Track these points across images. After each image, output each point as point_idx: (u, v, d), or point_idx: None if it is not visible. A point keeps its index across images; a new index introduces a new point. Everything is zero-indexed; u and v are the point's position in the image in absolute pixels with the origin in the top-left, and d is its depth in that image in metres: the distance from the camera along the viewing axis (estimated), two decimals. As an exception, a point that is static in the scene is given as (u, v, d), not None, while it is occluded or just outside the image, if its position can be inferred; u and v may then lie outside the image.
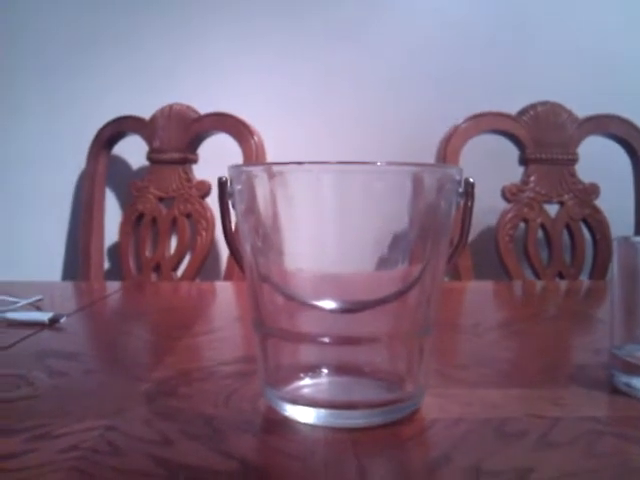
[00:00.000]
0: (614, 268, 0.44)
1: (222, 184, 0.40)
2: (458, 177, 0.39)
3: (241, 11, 1.43)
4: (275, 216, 0.38)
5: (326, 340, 0.37)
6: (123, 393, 0.44)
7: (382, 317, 0.38)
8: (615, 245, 0.44)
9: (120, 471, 0.32)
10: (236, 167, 0.39)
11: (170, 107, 1.34)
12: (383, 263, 0.38)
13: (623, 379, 0.43)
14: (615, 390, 0.44)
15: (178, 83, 1.43)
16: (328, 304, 0.37)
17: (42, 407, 0.41)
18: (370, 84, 1.44)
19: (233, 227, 0.42)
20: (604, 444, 0.35)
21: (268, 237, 0.39)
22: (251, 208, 0.38)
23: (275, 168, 0.37)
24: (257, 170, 0.39)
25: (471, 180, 0.39)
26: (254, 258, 0.39)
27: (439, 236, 0.39)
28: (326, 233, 0.38)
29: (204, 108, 1.34)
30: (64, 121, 1.46)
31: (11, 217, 1.48)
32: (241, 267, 0.41)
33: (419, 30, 1.44)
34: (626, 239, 0.44)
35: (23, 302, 0.73)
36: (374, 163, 0.35)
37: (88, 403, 0.42)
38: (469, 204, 0.40)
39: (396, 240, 0.38)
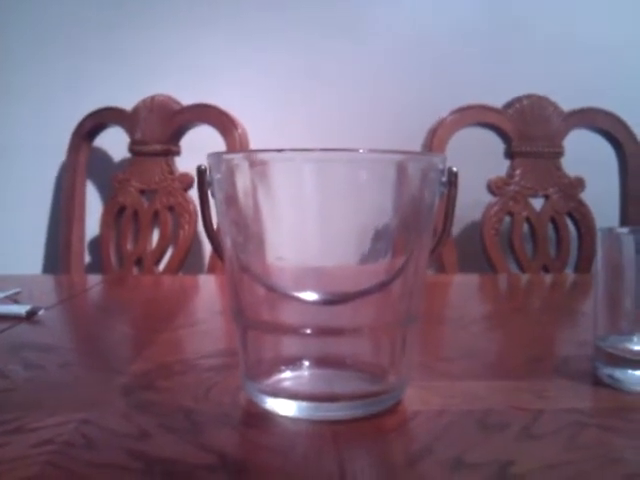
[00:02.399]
0: (598, 259, 0.44)
1: (201, 172, 0.39)
2: (441, 166, 0.38)
3: (226, 3, 1.42)
4: (255, 205, 0.37)
5: (307, 332, 0.37)
6: (100, 386, 0.43)
7: (364, 309, 0.38)
8: (599, 236, 0.44)
9: (95, 465, 0.31)
10: (215, 155, 0.38)
11: (152, 98, 1.33)
12: (365, 253, 0.38)
13: (606, 371, 0.43)
14: (598, 382, 0.43)
15: (161, 75, 1.42)
16: (309, 295, 0.37)
17: (17, 400, 0.40)
18: (356, 77, 1.44)
19: (213, 217, 0.41)
20: (586, 436, 0.35)
21: (248, 227, 0.38)
22: (231, 197, 0.38)
23: (255, 156, 0.37)
24: (237, 158, 0.38)
25: (454, 169, 0.39)
26: (234, 248, 0.38)
27: (422, 226, 0.38)
28: (308, 222, 0.37)
29: (188, 101, 1.32)
30: (45, 113, 1.43)
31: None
32: (221, 257, 0.40)
33: (405, 24, 1.44)
34: (610, 230, 0.44)
35: (0, 295, 0.72)
36: (357, 150, 0.35)
37: (64, 396, 0.41)
38: (452, 193, 0.40)
39: (379, 230, 0.37)
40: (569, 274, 1.29)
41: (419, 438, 0.35)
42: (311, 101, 1.43)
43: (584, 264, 1.30)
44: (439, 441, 0.34)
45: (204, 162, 0.40)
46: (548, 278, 1.11)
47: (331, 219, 0.37)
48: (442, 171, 0.39)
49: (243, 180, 0.37)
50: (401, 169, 0.37)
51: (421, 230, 0.38)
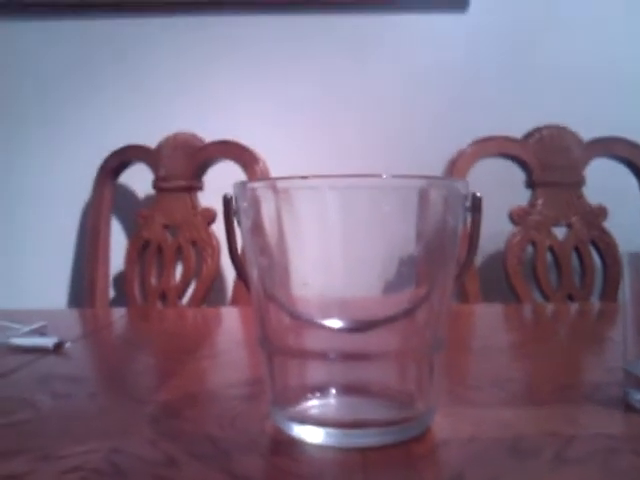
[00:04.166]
0: (625, 283, 0.44)
1: (227, 201, 0.40)
2: (464, 191, 0.39)
3: (244, 38, 1.45)
4: (280, 233, 0.38)
5: (333, 359, 0.37)
6: (127, 415, 0.43)
7: (390, 336, 0.38)
8: (625, 259, 0.44)
9: (124, 493, 0.31)
10: (241, 184, 0.38)
11: (175, 136, 1.35)
12: (390, 280, 0.38)
13: (637, 396, 0.42)
14: (629, 407, 0.43)
15: (182, 111, 1.44)
16: (335, 323, 0.37)
17: (45, 429, 0.40)
18: (374, 108, 1.45)
19: (239, 245, 0.41)
20: (620, 461, 0.34)
21: (273, 255, 0.38)
22: (256, 225, 0.38)
23: (280, 184, 0.37)
24: (262, 186, 0.38)
25: (478, 194, 0.39)
26: (260, 276, 0.39)
27: (447, 252, 0.38)
28: (332, 250, 0.37)
29: (207, 133, 1.35)
30: (69, 152, 1.47)
31: (17, 248, 1.48)
32: (247, 285, 0.41)
33: (424, 53, 1.45)
34: (636, 254, 0.44)
35: (27, 328, 0.72)
36: (380, 176, 0.35)
37: (92, 425, 0.41)
38: (477, 219, 0.40)
39: (404, 257, 0.37)
40: (595, 303, 1.27)
41: (450, 465, 0.34)
42: (329, 133, 1.45)
43: (609, 293, 1.28)
44: (471, 468, 0.33)
45: (226, 196, 0.40)
46: (574, 307, 1.10)
47: (355, 246, 0.37)
48: (465, 196, 0.39)
49: (268, 208, 0.37)
50: (424, 194, 0.37)
51: (446, 256, 0.38)
